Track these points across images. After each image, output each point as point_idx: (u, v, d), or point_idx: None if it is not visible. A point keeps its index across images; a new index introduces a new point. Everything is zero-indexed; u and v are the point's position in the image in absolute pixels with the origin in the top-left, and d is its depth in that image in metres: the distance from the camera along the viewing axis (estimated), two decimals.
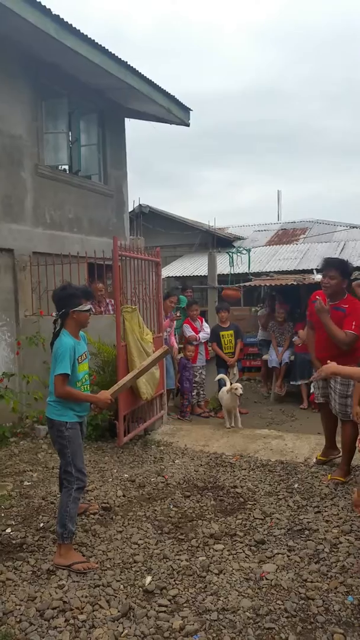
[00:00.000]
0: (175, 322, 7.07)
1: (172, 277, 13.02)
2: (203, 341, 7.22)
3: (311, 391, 7.47)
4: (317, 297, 4.51)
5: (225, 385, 6.42)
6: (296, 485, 4.22)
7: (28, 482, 4.45)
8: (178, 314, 7.19)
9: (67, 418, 3.24)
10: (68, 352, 3.17)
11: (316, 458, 4.84)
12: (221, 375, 6.71)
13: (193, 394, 7.11)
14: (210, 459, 4.94)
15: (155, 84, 7.79)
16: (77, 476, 3.22)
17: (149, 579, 2.97)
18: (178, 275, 13.14)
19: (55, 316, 3.39)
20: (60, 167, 7.49)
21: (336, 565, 3.02)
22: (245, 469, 4.65)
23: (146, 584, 2.91)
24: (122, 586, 2.91)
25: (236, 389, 6.07)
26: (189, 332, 7.15)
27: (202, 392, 7.22)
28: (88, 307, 3.42)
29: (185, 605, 2.73)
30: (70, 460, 3.22)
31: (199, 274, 12.68)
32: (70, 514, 3.14)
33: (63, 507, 3.17)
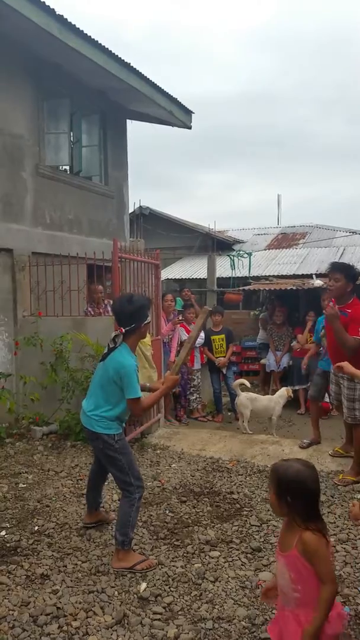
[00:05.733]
0: (177, 326, 7.02)
1: (172, 279, 13.00)
2: (197, 346, 7.16)
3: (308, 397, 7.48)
4: (332, 301, 4.59)
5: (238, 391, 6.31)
6: None
7: (23, 484, 4.42)
8: (180, 317, 7.15)
9: (114, 430, 3.15)
10: (135, 375, 3.07)
11: (333, 449, 5.08)
12: (242, 380, 6.49)
13: (192, 398, 7.08)
14: (207, 464, 4.92)
15: (158, 85, 7.78)
16: (137, 484, 3.17)
17: (143, 585, 2.94)
18: (177, 277, 13.12)
19: (121, 332, 3.15)
20: (61, 167, 7.46)
21: None
22: (242, 475, 4.62)
23: (141, 591, 2.88)
24: (116, 592, 2.88)
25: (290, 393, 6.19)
26: (184, 335, 7.12)
27: (198, 396, 7.20)
28: (150, 317, 3.29)
29: (180, 613, 2.71)
30: (127, 470, 3.15)
31: (198, 277, 12.66)
32: (132, 522, 3.14)
33: (125, 516, 3.12)
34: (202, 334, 7.20)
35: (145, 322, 3.18)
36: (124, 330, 3.14)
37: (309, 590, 1.94)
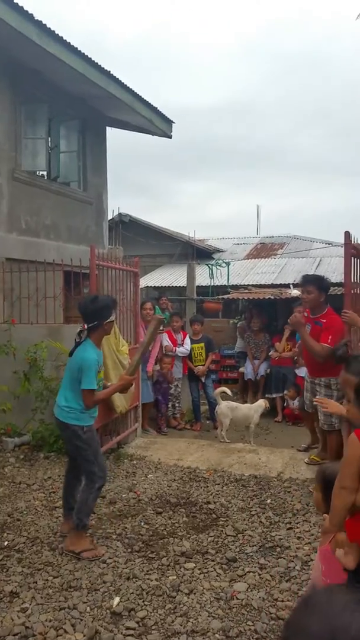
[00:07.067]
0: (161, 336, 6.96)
1: (151, 287, 12.96)
2: (181, 355, 7.12)
3: (286, 405, 7.50)
4: (305, 312, 4.67)
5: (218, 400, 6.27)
6: (269, 501, 4.17)
7: None
8: (161, 328, 7.10)
9: (83, 422, 3.39)
10: (94, 367, 3.34)
11: (309, 457, 5.11)
12: (223, 389, 6.50)
13: (168, 406, 7.02)
14: (184, 474, 4.86)
15: (138, 94, 7.79)
16: (99, 475, 3.41)
17: (117, 600, 2.86)
18: (157, 285, 13.09)
19: (84, 328, 3.46)
20: (38, 173, 7.40)
21: (307, 584, 2.96)
22: (218, 484, 4.58)
23: (114, 606, 2.81)
24: (88, 608, 2.80)
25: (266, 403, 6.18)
26: (166, 342, 7.07)
27: (177, 405, 7.14)
28: (114, 316, 3.58)
29: (154, 627, 2.64)
30: (93, 459, 3.39)
31: (178, 285, 12.65)
32: (88, 508, 3.39)
33: (83, 503, 3.37)
34: (188, 347, 7.15)
35: (108, 320, 3.49)
36: (87, 326, 3.44)
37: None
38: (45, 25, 5.95)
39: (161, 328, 7.19)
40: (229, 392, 6.42)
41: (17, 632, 2.58)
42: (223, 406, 6.19)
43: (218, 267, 11.48)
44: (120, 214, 14.46)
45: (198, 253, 14.30)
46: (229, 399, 6.66)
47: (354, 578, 1.74)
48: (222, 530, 3.66)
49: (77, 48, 6.47)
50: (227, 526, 3.72)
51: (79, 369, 3.34)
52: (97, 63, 6.84)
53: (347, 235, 4.46)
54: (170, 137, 9.09)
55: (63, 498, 3.69)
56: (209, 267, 11.52)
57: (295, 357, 7.20)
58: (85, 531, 3.42)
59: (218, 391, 6.41)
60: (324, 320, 4.49)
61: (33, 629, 2.61)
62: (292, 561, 3.22)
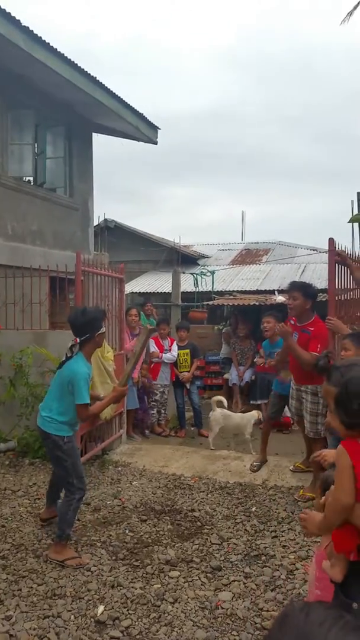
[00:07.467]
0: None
1: (136, 293, 12.95)
2: (167, 362, 7.12)
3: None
4: (290, 320, 4.65)
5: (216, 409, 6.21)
6: (254, 509, 4.19)
7: None
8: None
9: (64, 432, 3.43)
10: (86, 382, 3.36)
11: (294, 465, 5.10)
12: (220, 398, 6.38)
13: (153, 412, 7.03)
14: (169, 481, 4.87)
15: (124, 100, 7.82)
16: (78, 486, 3.42)
17: (101, 608, 2.86)
18: (142, 291, 13.08)
19: (76, 342, 3.47)
20: (24, 178, 7.37)
21: (292, 593, 2.99)
22: (203, 492, 4.59)
23: (98, 614, 2.80)
24: (72, 617, 2.79)
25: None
26: (152, 348, 7.08)
27: (163, 412, 7.15)
28: (104, 327, 3.62)
29: (138, 636, 2.64)
30: (71, 471, 3.41)
31: (163, 291, 12.66)
32: (69, 521, 3.40)
33: (63, 514, 3.40)
34: (175, 353, 7.15)
35: (99, 332, 3.50)
36: (78, 340, 3.44)
37: (328, 595, 1.93)
38: (32, 31, 5.95)
39: None
40: (225, 401, 6.37)
41: None
42: (217, 413, 6.17)
43: (203, 276, 11.54)
44: (105, 220, 14.45)
45: (183, 259, 14.34)
46: (223, 407, 6.59)
47: (341, 590, 1.76)
48: (206, 539, 3.67)
49: (63, 54, 6.49)
50: (211, 534, 3.73)
51: (70, 383, 3.35)
52: (83, 69, 6.86)
53: (332, 242, 4.48)
54: (155, 143, 9.14)
55: (47, 490, 3.90)
56: (193, 276, 11.57)
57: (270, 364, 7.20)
58: (68, 541, 3.43)
59: (215, 399, 6.37)
60: (312, 329, 4.46)
61: (17, 637, 2.60)
62: (277, 570, 3.23)
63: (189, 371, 7.27)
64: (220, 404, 6.29)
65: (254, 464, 5.26)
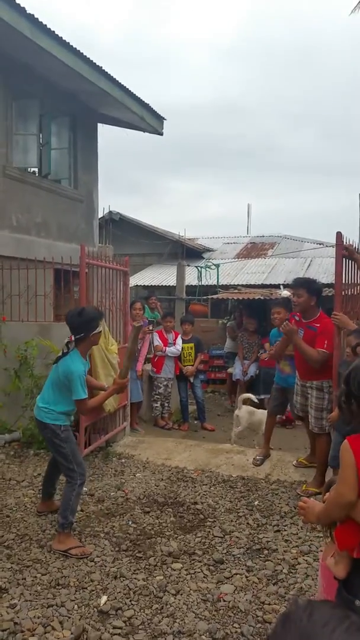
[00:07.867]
0: (150, 335, 6.96)
1: (141, 286, 12.94)
2: (171, 355, 7.12)
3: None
4: (294, 316, 4.62)
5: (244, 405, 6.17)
6: (256, 503, 4.20)
7: None
8: (150, 328, 7.10)
9: (60, 422, 3.55)
10: (80, 379, 3.47)
11: (297, 460, 5.09)
12: (249, 396, 6.33)
13: (157, 405, 7.04)
14: (172, 473, 4.88)
15: (129, 90, 7.75)
16: (79, 472, 3.51)
17: (104, 598, 2.88)
18: (147, 284, 13.07)
19: (71, 339, 3.59)
20: (29, 169, 7.34)
21: (294, 587, 3.00)
22: (206, 485, 4.60)
23: (101, 604, 2.82)
24: (76, 606, 2.82)
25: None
26: (156, 341, 7.09)
27: (167, 405, 7.16)
28: (101, 327, 3.71)
29: (140, 627, 2.66)
30: (70, 458, 3.51)
31: (167, 284, 12.64)
32: (72, 507, 3.45)
33: (67, 501, 3.45)
34: (179, 347, 7.15)
35: (95, 332, 3.60)
36: (74, 338, 3.56)
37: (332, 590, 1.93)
38: (37, 19, 5.89)
39: (151, 328, 7.21)
40: (254, 398, 6.35)
41: (6, 627, 2.59)
42: (244, 410, 6.17)
43: (208, 269, 11.50)
44: (110, 212, 14.42)
45: (188, 252, 14.32)
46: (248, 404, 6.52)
47: (344, 588, 1.76)
48: (209, 531, 3.68)
49: (68, 43, 6.42)
50: (214, 527, 3.75)
51: (66, 379, 3.47)
52: (88, 58, 6.79)
53: (339, 235, 4.43)
54: (161, 134, 9.06)
55: (42, 484, 4.00)
56: (198, 269, 11.54)
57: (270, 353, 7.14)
58: (71, 530, 3.47)
59: (243, 397, 6.28)
60: (318, 325, 4.43)
61: (21, 625, 2.62)
62: (280, 564, 3.24)
63: (192, 365, 7.27)
64: (247, 402, 6.28)
65: (257, 457, 5.26)
